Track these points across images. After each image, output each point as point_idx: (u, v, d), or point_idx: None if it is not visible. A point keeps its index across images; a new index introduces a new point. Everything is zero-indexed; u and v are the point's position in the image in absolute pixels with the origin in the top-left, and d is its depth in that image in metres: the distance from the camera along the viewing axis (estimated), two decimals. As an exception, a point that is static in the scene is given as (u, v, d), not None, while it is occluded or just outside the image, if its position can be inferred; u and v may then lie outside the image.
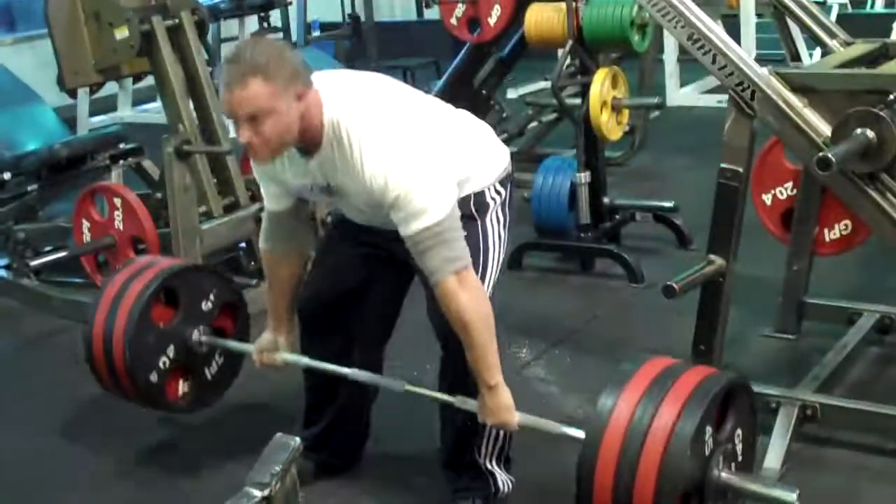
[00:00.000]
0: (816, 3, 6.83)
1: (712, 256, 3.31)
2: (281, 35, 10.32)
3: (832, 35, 3.79)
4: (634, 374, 2.53)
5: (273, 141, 2.60)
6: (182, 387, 3.43)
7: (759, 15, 7.78)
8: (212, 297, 3.44)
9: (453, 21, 5.90)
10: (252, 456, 2.32)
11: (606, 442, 2.43)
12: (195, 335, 3.36)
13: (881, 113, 3.01)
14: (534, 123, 7.03)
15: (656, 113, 7.05)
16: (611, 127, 4.97)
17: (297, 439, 2.26)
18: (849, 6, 9.71)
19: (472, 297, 2.62)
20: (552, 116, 6.88)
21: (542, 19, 5.28)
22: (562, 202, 5.07)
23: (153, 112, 8.94)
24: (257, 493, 2.16)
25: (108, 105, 9.39)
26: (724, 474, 2.48)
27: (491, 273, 2.87)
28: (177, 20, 4.79)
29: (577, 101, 5.10)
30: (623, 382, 2.51)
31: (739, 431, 2.59)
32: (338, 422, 3.27)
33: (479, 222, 2.84)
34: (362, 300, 3.09)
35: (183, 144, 4.63)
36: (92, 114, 8.95)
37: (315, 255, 3.21)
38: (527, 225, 5.14)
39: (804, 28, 3.90)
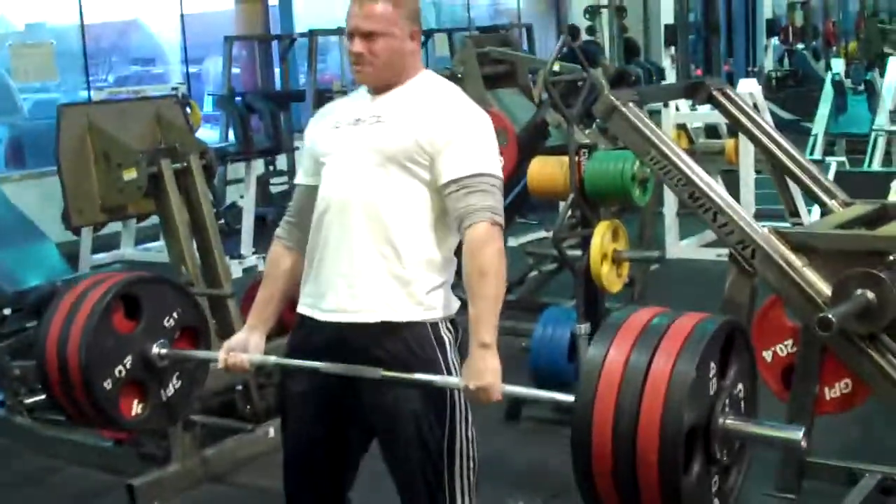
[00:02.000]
0: (814, 161, 6.96)
1: (712, 413, 3.28)
2: (286, 178, 10.49)
3: (831, 195, 3.83)
4: (623, 324, 2.43)
5: (381, 59, 2.74)
6: (136, 407, 3.25)
7: (757, 171, 7.89)
8: (175, 315, 3.29)
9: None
10: None
11: (599, 402, 2.33)
12: (154, 349, 3.21)
13: (881, 274, 3.03)
14: (534, 273, 7.06)
15: (656, 265, 7.09)
16: (611, 279, 4.99)
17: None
18: (847, 164, 9.87)
19: (499, 251, 2.64)
20: (552, 266, 6.92)
21: (544, 171, 5.35)
22: (561, 353, 5.05)
23: (155, 251, 8.99)
24: None
25: (111, 242, 9.45)
26: (729, 420, 2.41)
27: (461, 429, 2.78)
28: (185, 163, 4.86)
29: (578, 252, 5.14)
30: (611, 334, 2.42)
31: (741, 379, 2.51)
32: None
33: (441, 362, 2.75)
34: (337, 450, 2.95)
35: (185, 287, 4.64)
36: (94, 251, 9.00)
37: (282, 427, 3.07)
38: (525, 375, 5.12)
39: (802, 187, 3.96)
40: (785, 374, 3.88)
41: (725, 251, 3.41)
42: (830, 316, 2.88)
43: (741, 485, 2.58)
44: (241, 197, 9.44)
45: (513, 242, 8.53)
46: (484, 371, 2.61)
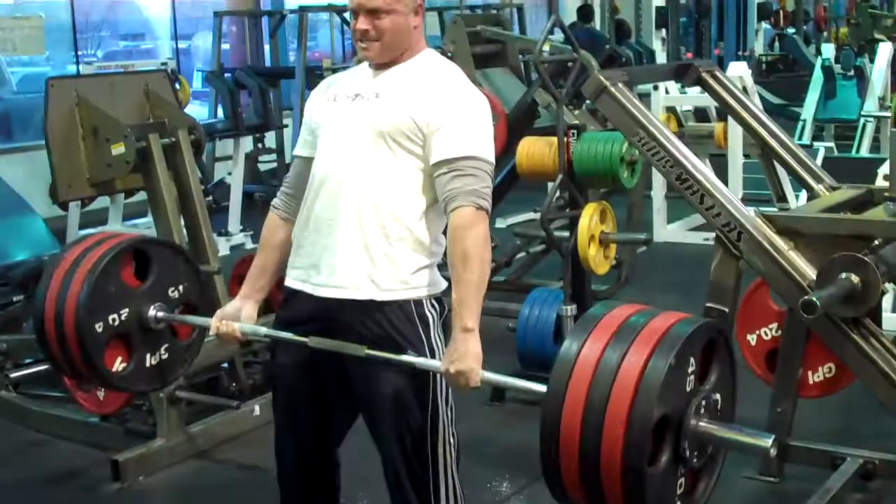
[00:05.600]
0: (803, 145, 6.96)
1: (696, 395, 3.29)
2: (275, 156, 10.47)
3: (818, 179, 3.85)
4: (600, 320, 2.43)
5: (386, 37, 2.73)
6: (119, 363, 3.25)
7: (746, 155, 7.90)
8: (181, 287, 3.34)
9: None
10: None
11: (570, 395, 2.33)
12: (152, 310, 3.24)
13: (866, 258, 3.04)
14: (521, 254, 7.07)
15: (643, 248, 7.10)
16: (598, 261, 5.00)
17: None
18: (835, 150, 9.88)
19: (482, 235, 2.64)
20: (540, 248, 6.92)
21: (533, 152, 5.35)
22: (547, 334, 5.07)
23: (143, 227, 8.96)
24: None
25: (99, 218, 9.41)
26: (702, 423, 2.40)
27: (442, 406, 2.80)
28: (173, 139, 4.84)
29: (566, 233, 5.14)
30: (587, 329, 2.41)
31: (719, 384, 2.51)
32: None
33: (424, 341, 2.76)
34: (326, 437, 2.99)
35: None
36: (82, 226, 8.95)
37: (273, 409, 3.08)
38: (511, 356, 5.13)
39: (790, 171, 3.97)
40: (769, 358, 3.90)
41: (712, 235, 3.42)
42: (815, 299, 2.90)
43: (708, 497, 2.57)
44: (230, 174, 9.41)
45: (501, 223, 8.53)
46: (464, 355, 2.62)
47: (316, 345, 2.79)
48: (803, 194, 5.80)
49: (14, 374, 5.00)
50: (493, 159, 2.72)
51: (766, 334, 3.89)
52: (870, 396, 3.38)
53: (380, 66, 2.81)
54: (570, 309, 4.95)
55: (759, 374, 3.94)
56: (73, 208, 8.60)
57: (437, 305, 2.82)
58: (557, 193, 5.09)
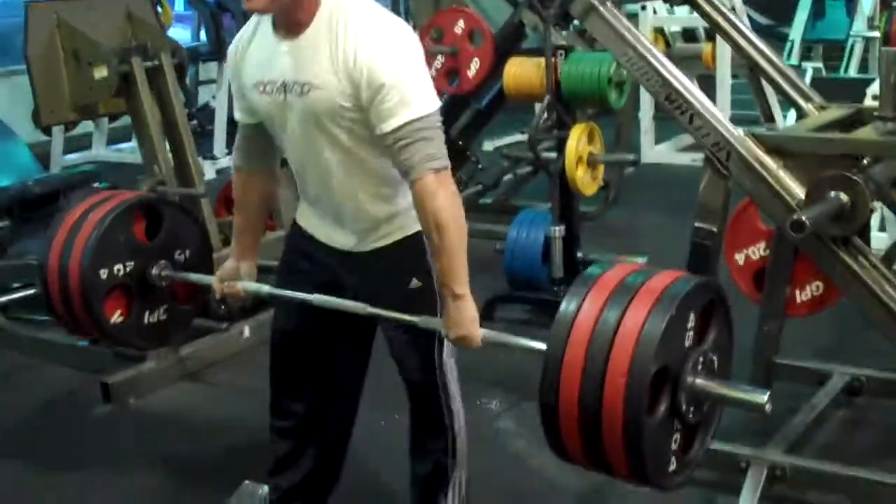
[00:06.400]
0: (791, 66, 6.92)
1: (685, 314, 3.30)
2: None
3: (807, 98, 3.83)
4: (597, 280, 2.43)
5: None
6: (117, 315, 3.30)
7: (734, 76, 7.86)
8: (188, 252, 3.37)
9: (432, 72, 5.92)
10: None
11: (570, 351, 2.34)
12: (156, 268, 3.28)
13: (855, 177, 3.04)
14: (509, 176, 7.06)
15: (631, 169, 7.09)
16: (586, 182, 4.99)
17: (265, 487, 2.23)
18: (823, 70, 9.84)
19: (449, 197, 2.56)
20: (528, 169, 6.91)
21: (520, 73, 5.30)
22: (535, 255, 5.07)
23: (128, 151, 8.92)
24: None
25: (83, 143, 9.36)
26: (699, 380, 2.41)
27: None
28: (156, 62, 4.79)
29: (553, 155, 5.13)
30: (585, 289, 2.41)
31: (716, 344, 2.52)
32: (310, 476, 3.21)
33: (422, 266, 2.78)
34: (329, 345, 3.02)
35: (157, 186, 4.62)
36: (66, 151, 8.91)
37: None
38: (499, 277, 5.14)
39: (779, 90, 3.95)
40: (756, 277, 3.91)
41: (701, 155, 3.41)
42: (804, 218, 2.90)
43: (702, 455, 2.57)
44: (214, 98, 9.35)
45: (488, 145, 8.50)
46: (462, 321, 2.64)
47: (320, 303, 2.85)
48: (791, 114, 5.80)
49: (2, 299, 5.00)
50: (435, 104, 2.59)
51: (755, 254, 3.90)
52: (857, 314, 3.40)
53: (284, 30, 2.62)
54: (559, 230, 4.96)
55: (747, 293, 3.95)
56: (56, 133, 8.55)
57: None
58: (545, 115, 5.06)
